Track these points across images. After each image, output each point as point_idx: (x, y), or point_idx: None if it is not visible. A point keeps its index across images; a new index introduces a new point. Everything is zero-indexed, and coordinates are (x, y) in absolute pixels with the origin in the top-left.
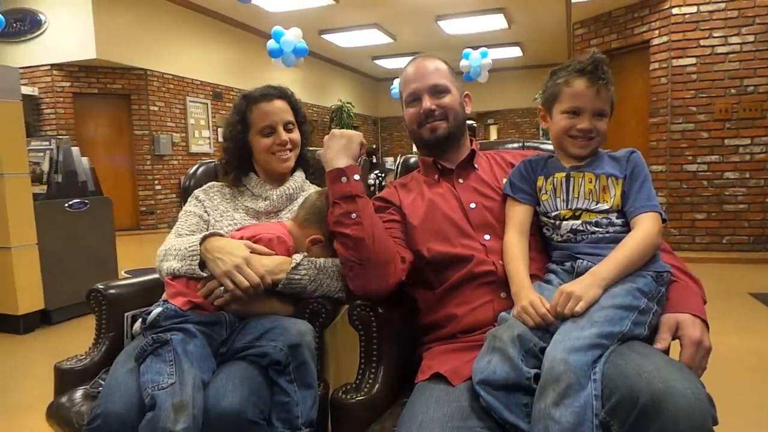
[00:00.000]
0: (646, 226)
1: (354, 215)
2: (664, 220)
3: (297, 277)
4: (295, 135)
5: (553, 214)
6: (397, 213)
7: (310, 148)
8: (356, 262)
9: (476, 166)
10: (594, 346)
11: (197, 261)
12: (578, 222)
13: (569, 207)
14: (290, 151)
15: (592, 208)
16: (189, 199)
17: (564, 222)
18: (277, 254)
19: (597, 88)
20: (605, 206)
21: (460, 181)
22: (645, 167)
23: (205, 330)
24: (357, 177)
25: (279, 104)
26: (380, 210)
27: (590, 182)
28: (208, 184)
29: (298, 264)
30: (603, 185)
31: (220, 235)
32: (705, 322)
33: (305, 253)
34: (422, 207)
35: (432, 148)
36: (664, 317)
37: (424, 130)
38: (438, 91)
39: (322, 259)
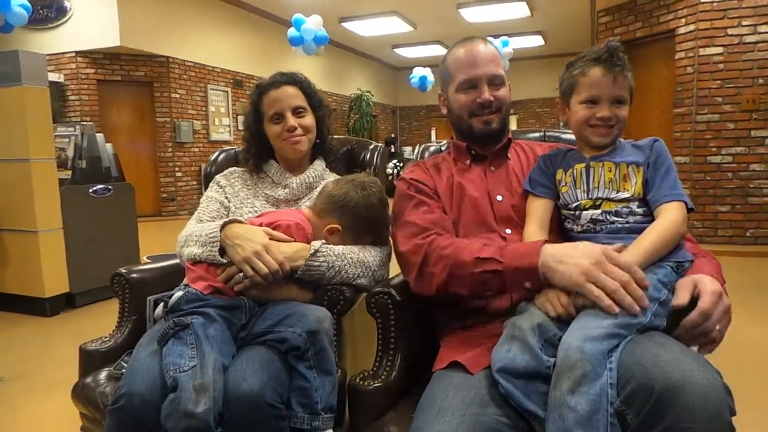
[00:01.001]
0: (670, 215)
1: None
2: (690, 209)
3: (315, 264)
4: (307, 119)
5: (574, 204)
6: (439, 200)
7: (334, 137)
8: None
9: (509, 156)
10: (611, 336)
11: (217, 247)
12: (598, 212)
13: (590, 197)
14: (303, 135)
15: (612, 196)
16: (210, 185)
17: (584, 212)
18: (295, 241)
19: (614, 76)
20: (626, 194)
21: (492, 169)
22: (669, 156)
23: (225, 314)
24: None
25: (288, 90)
26: (429, 197)
27: (610, 171)
28: (229, 170)
29: (317, 251)
30: (623, 173)
31: (240, 222)
32: (723, 285)
33: (323, 240)
34: (451, 193)
35: (479, 140)
36: (681, 280)
37: (475, 121)
38: (496, 82)
39: (340, 246)
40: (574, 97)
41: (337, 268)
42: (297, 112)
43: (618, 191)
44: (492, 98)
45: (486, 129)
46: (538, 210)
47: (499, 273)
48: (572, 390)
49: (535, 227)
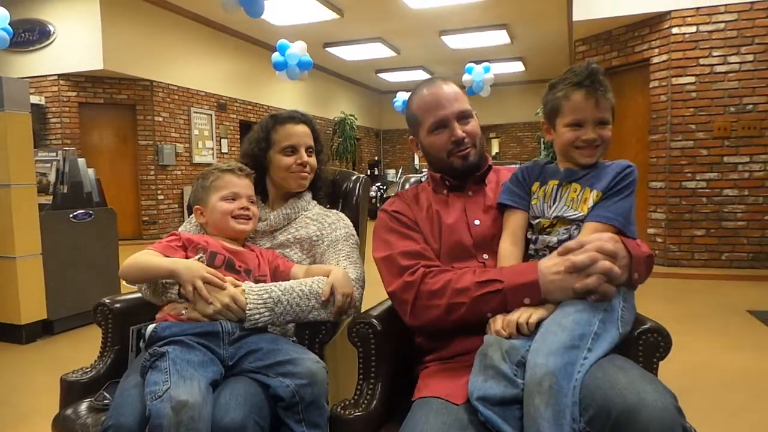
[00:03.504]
0: (582, 232)
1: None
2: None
3: (256, 316)
4: (314, 160)
5: (536, 221)
6: (420, 230)
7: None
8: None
9: (486, 183)
10: (570, 348)
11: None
12: (554, 239)
13: (548, 215)
14: (309, 173)
15: (567, 215)
16: (190, 217)
17: (541, 236)
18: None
19: (596, 99)
20: (580, 214)
21: (470, 194)
22: (631, 183)
23: (203, 341)
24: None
25: (304, 128)
26: (409, 228)
27: (575, 191)
28: None
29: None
30: (585, 197)
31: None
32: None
33: (250, 283)
34: (431, 222)
35: (462, 176)
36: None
37: (455, 159)
38: (464, 116)
39: (269, 288)
40: (558, 119)
41: (284, 304)
42: (308, 150)
43: (575, 211)
44: (464, 134)
45: (466, 164)
46: (512, 224)
47: (500, 292)
48: (545, 402)
49: (509, 243)
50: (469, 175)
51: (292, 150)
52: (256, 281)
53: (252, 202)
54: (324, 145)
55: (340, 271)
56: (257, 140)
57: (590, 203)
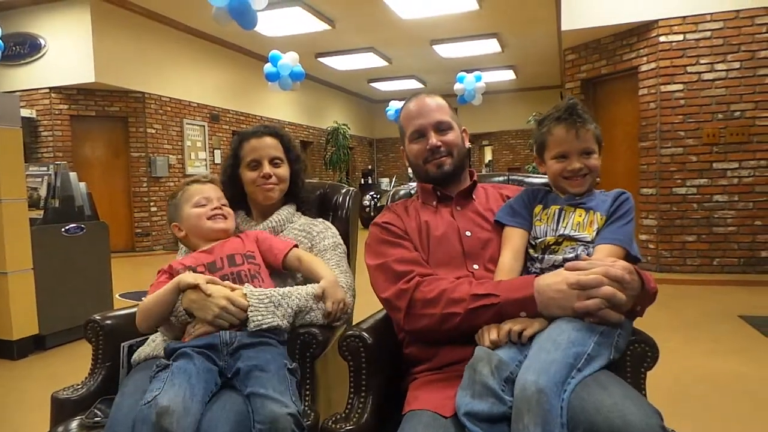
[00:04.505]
0: (596, 254)
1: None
2: (636, 260)
3: (259, 318)
4: (282, 170)
5: (539, 240)
6: (410, 240)
7: (308, 180)
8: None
9: (474, 197)
10: (562, 367)
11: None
12: (559, 258)
13: (554, 234)
14: (276, 185)
15: (575, 235)
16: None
17: (548, 256)
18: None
19: (576, 131)
20: (588, 237)
21: (458, 209)
22: (630, 209)
23: (205, 352)
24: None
25: (268, 141)
26: (401, 238)
27: (580, 216)
28: None
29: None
30: (591, 219)
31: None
32: (643, 282)
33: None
34: (419, 232)
35: (437, 182)
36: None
37: (430, 166)
38: (442, 128)
39: (265, 291)
40: (546, 153)
41: (284, 307)
42: (273, 162)
43: (582, 233)
44: (439, 143)
45: (440, 172)
46: (514, 239)
47: (495, 306)
48: (534, 421)
49: (510, 257)
50: (446, 183)
51: (256, 164)
52: (245, 258)
53: (224, 204)
54: (299, 155)
55: (332, 278)
56: (229, 158)
57: (596, 226)
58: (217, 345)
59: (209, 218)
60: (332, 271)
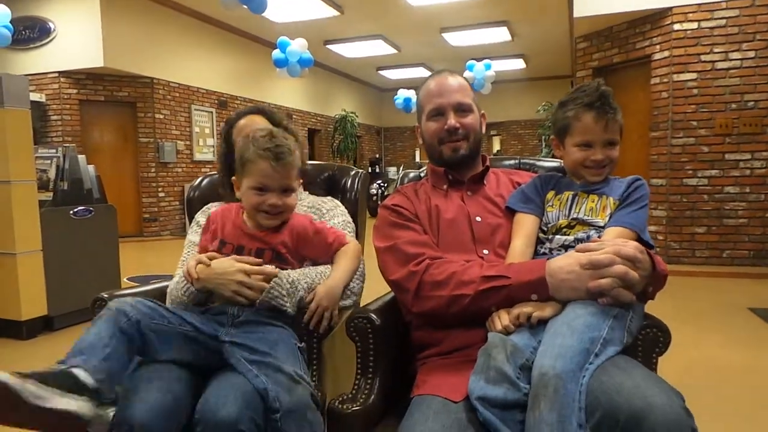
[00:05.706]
0: (605, 236)
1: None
2: (649, 245)
3: (274, 294)
4: None
5: (552, 224)
6: (420, 223)
7: (318, 162)
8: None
9: (485, 183)
10: (579, 351)
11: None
12: (570, 238)
13: (566, 218)
14: None
15: (588, 220)
16: (191, 224)
17: (557, 236)
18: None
19: (606, 121)
20: (600, 222)
21: (469, 194)
22: (645, 195)
23: (203, 330)
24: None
25: (254, 118)
26: (410, 220)
27: (593, 202)
28: (206, 206)
29: (270, 288)
30: (603, 205)
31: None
32: (654, 266)
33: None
34: (429, 215)
35: (450, 166)
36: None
37: (445, 148)
38: (462, 109)
39: (294, 274)
40: (568, 138)
41: (296, 296)
42: None
43: (595, 218)
44: (458, 125)
45: (455, 156)
46: (527, 225)
47: (506, 288)
48: (550, 408)
49: (522, 242)
50: (459, 167)
51: None
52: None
53: (285, 191)
54: (288, 128)
55: (333, 286)
56: (222, 146)
57: (608, 211)
58: (227, 312)
59: (261, 211)
60: (343, 280)
